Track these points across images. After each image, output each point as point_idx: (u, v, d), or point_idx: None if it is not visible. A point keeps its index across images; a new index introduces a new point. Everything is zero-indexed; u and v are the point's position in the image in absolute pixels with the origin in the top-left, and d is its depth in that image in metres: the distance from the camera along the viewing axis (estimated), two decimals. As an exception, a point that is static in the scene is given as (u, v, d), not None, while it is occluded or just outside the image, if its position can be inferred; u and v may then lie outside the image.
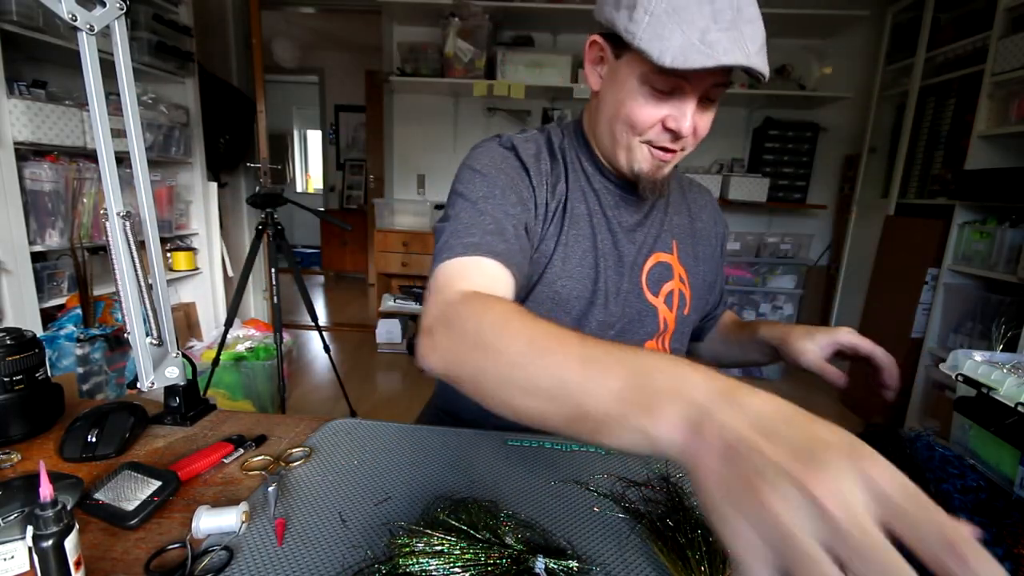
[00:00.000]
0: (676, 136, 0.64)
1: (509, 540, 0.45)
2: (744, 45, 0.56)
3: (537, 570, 0.43)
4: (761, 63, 0.57)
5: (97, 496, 0.52)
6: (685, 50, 0.55)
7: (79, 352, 1.32)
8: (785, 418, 0.28)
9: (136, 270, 0.64)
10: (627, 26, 0.58)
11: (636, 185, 0.72)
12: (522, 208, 0.67)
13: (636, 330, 0.77)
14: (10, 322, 1.62)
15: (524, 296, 0.73)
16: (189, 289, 2.63)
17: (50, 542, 0.36)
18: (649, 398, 0.32)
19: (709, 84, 0.62)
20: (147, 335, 0.67)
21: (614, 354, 0.36)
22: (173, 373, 0.70)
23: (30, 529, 0.36)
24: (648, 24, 0.56)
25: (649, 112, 0.63)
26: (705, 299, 0.87)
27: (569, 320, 0.73)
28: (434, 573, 0.42)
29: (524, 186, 0.69)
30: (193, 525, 0.47)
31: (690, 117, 0.62)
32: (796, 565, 0.23)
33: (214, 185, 2.67)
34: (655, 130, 0.65)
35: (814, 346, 0.72)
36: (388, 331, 3.23)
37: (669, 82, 0.61)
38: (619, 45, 0.63)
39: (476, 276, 0.57)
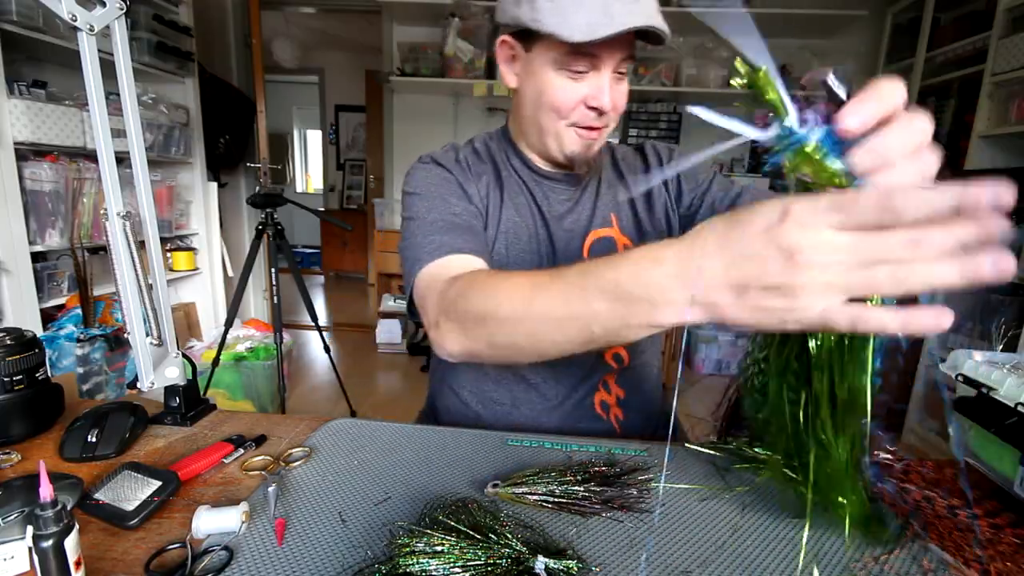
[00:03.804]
0: (599, 113, 0.68)
1: (509, 540, 0.45)
2: (642, 8, 0.61)
3: (537, 570, 0.43)
4: (660, 22, 0.62)
5: (97, 496, 0.52)
6: (591, 24, 0.60)
7: (79, 352, 1.32)
8: (724, 239, 0.33)
9: (136, 270, 0.64)
10: (531, 16, 0.63)
11: (565, 172, 0.77)
12: (464, 202, 0.73)
13: None
14: (10, 322, 1.62)
15: None
16: (189, 289, 2.63)
17: (50, 542, 0.36)
18: (636, 308, 0.38)
19: (618, 58, 0.66)
20: (147, 335, 0.67)
21: (585, 279, 0.42)
22: (173, 373, 0.70)
23: (30, 529, 0.36)
24: (550, 10, 0.62)
25: (568, 94, 0.68)
26: None
27: None
28: (434, 573, 0.42)
29: (455, 185, 0.74)
30: (193, 525, 0.47)
31: (607, 92, 0.67)
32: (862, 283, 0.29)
33: (214, 185, 2.67)
34: (578, 111, 0.69)
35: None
36: (388, 331, 3.23)
37: (582, 62, 0.65)
38: (527, 39, 0.68)
39: (454, 268, 0.61)
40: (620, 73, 0.69)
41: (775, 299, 0.31)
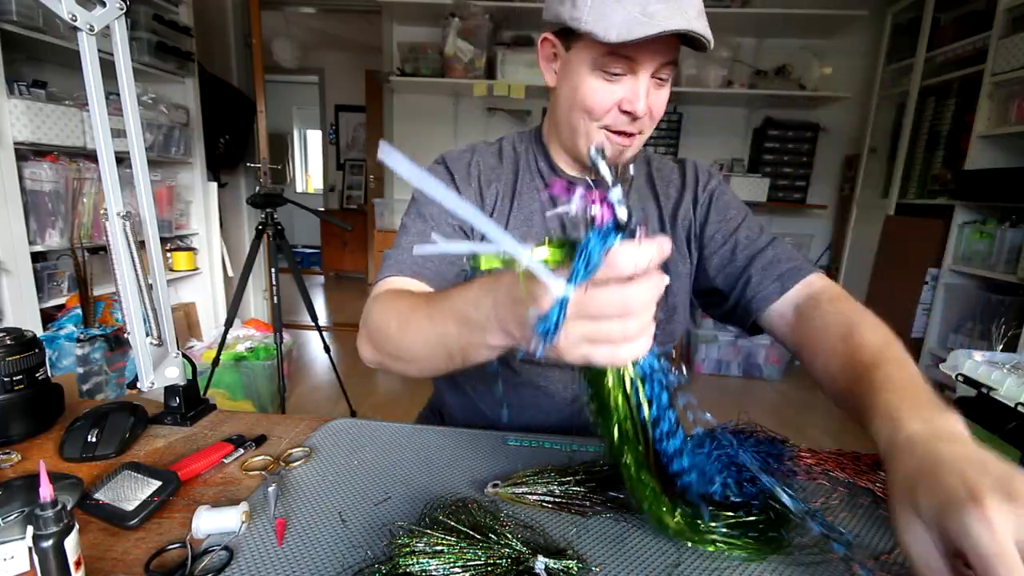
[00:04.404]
0: (632, 118, 0.66)
1: (509, 540, 0.45)
2: (683, 12, 0.59)
3: (537, 570, 0.43)
4: (702, 27, 0.60)
5: (97, 496, 0.52)
6: (628, 24, 0.58)
7: (79, 352, 1.32)
8: (506, 285, 0.40)
9: (136, 270, 0.64)
10: (571, 14, 0.62)
11: (594, 179, 0.74)
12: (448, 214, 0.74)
13: None
14: (10, 322, 1.62)
15: None
16: (189, 289, 2.63)
17: (50, 542, 0.36)
18: (475, 331, 0.45)
19: (658, 63, 0.64)
20: (147, 335, 0.67)
21: (443, 304, 0.50)
22: (173, 373, 0.70)
23: (30, 529, 0.36)
24: (591, 7, 0.60)
25: (603, 96, 0.66)
26: (690, 276, 0.81)
27: None
28: (434, 573, 0.42)
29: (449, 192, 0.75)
30: (193, 525, 0.47)
31: (643, 97, 0.65)
32: None
33: (214, 185, 2.66)
34: (612, 114, 0.67)
35: (922, 531, 0.36)
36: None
37: (619, 64, 0.63)
38: (568, 37, 0.67)
39: (395, 286, 0.67)
40: (660, 79, 0.66)
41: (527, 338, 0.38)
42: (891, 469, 0.40)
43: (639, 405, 0.44)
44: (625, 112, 0.66)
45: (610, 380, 0.43)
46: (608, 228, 0.33)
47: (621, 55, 0.62)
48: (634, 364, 0.43)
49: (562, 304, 0.33)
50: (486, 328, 0.43)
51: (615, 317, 0.34)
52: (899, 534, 0.37)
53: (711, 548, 0.48)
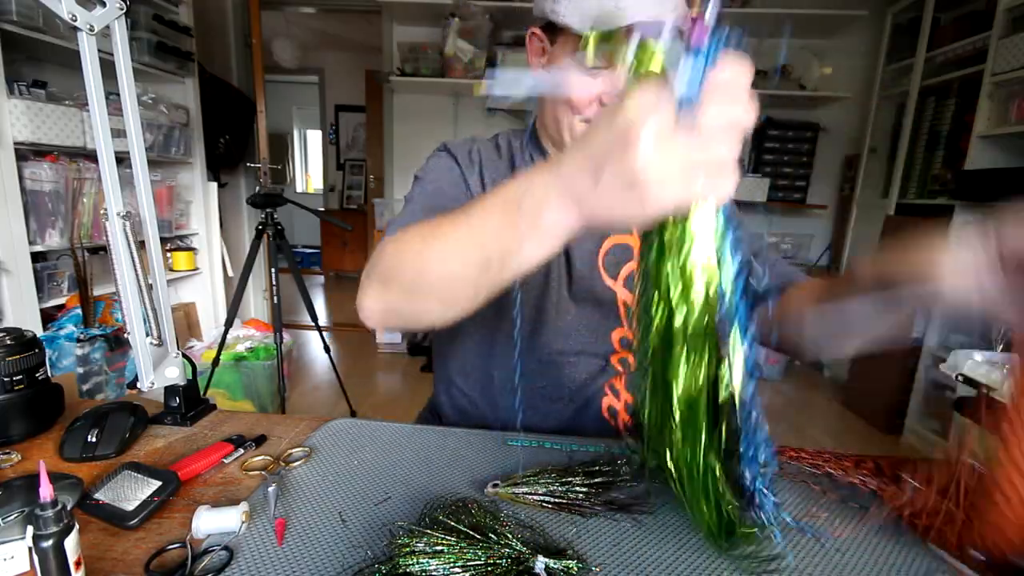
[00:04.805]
0: None
1: (509, 540, 0.45)
2: (660, 4, 0.60)
3: (537, 570, 0.43)
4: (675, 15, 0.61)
5: (97, 496, 0.52)
6: (602, 16, 0.60)
7: (79, 352, 1.32)
8: (582, 138, 0.36)
9: (136, 270, 0.64)
10: (552, 7, 0.64)
11: None
12: (458, 186, 0.74)
13: (594, 314, 0.77)
14: (10, 322, 1.62)
15: None
16: (189, 289, 2.63)
17: (50, 542, 0.36)
18: (527, 214, 0.38)
19: None
20: (147, 335, 0.67)
21: (485, 200, 0.42)
22: (173, 373, 0.70)
23: (30, 529, 0.36)
24: (568, 2, 0.62)
25: (583, 89, 0.67)
26: None
27: (528, 305, 0.76)
28: (434, 573, 0.42)
29: (456, 173, 0.75)
30: (193, 525, 0.47)
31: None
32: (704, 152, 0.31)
33: (214, 185, 2.66)
34: (593, 108, 0.68)
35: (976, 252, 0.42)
36: (388, 331, 3.23)
37: (600, 57, 0.65)
38: (553, 31, 0.69)
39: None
40: None
41: (624, 176, 0.32)
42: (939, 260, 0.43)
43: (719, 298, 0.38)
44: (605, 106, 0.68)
45: (691, 248, 0.37)
46: (713, 42, 0.30)
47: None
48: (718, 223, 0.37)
49: (702, 67, 0.30)
50: (540, 203, 0.37)
51: (722, 138, 0.31)
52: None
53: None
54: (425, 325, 0.52)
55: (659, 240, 0.39)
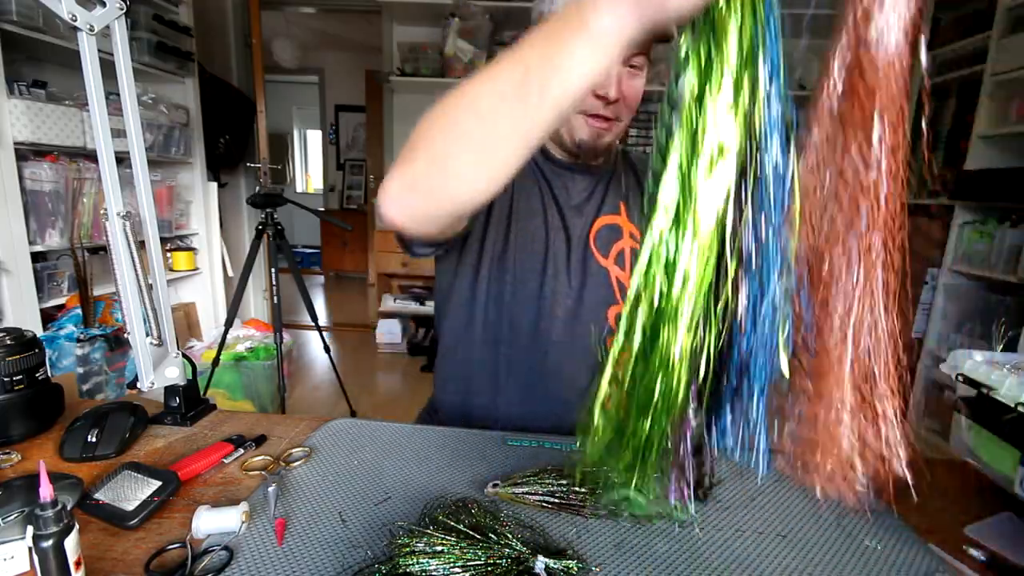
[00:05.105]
0: (606, 102, 0.71)
1: (509, 540, 0.45)
2: None
3: (537, 570, 0.43)
4: None
5: (97, 496, 0.52)
6: None
7: (79, 352, 1.32)
8: None
9: (136, 270, 0.64)
10: (552, 10, 0.68)
11: (582, 164, 0.80)
12: None
13: (591, 296, 0.79)
14: (10, 322, 1.62)
15: (489, 272, 0.79)
16: (189, 289, 2.63)
17: (50, 542, 0.36)
18: (569, 26, 0.37)
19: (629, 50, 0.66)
20: (147, 335, 0.67)
21: (524, 38, 0.39)
22: (173, 373, 0.70)
23: (30, 529, 0.36)
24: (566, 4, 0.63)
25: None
26: None
27: (528, 291, 0.78)
28: (434, 573, 0.42)
29: None
30: (193, 525, 0.47)
31: (615, 82, 0.70)
32: None
33: (214, 185, 2.66)
34: (586, 100, 0.71)
35: None
36: (388, 331, 3.23)
37: None
38: None
39: None
40: (632, 67, 0.71)
41: None
42: None
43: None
44: (599, 97, 0.71)
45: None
46: None
47: None
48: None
49: None
50: (584, 6, 0.36)
51: None
52: None
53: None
54: (453, 206, 0.45)
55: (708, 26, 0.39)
